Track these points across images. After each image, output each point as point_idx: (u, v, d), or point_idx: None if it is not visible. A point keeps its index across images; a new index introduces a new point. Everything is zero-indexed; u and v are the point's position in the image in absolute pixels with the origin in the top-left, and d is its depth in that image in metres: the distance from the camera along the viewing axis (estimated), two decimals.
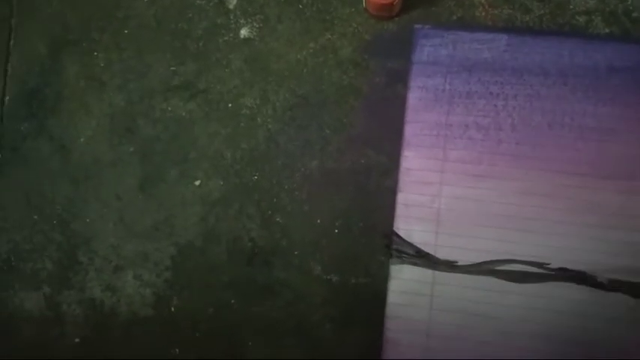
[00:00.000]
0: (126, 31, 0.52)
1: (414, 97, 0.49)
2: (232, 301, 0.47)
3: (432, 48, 0.49)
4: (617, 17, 0.49)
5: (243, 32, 0.51)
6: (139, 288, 0.49)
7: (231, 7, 0.51)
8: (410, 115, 0.49)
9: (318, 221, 0.48)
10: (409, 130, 0.48)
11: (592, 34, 0.49)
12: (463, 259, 0.46)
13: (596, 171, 0.46)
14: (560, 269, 0.45)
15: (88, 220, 0.50)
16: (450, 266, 0.46)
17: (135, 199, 0.50)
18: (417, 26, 0.49)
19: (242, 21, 0.51)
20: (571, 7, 0.49)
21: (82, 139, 0.51)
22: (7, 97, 0.52)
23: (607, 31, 0.49)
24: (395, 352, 0.45)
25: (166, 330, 0.48)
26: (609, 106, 0.47)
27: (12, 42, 0.52)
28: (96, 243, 0.50)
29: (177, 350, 0.47)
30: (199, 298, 0.48)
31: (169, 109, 0.50)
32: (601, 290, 0.45)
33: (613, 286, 0.45)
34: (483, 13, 0.50)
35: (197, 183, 0.49)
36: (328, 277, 0.47)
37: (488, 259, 0.46)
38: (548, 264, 0.45)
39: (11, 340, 0.49)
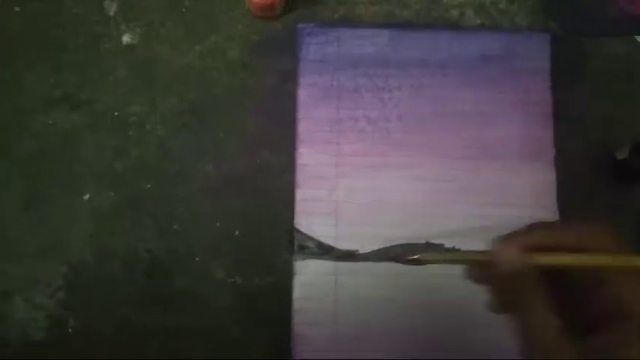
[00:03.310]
0: None
1: (303, 95, 0.50)
2: (132, 316, 0.46)
3: (317, 46, 0.50)
4: (486, 9, 0.52)
5: (126, 39, 0.50)
6: (30, 312, 0.46)
7: (111, 13, 0.50)
8: (301, 112, 0.49)
9: (218, 225, 0.47)
10: (302, 127, 0.49)
11: (465, 25, 0.52)
12: (362, 247, 0.47)
13: (478, 153, 0.49)
14: (454, 248, 0.47)
15: None
16: (351, 256, 0.47)
17: (19, 219, 0.47)
18: (300, 25, 0.50)
19: (123, 27, 0.50)
20: (444, 1, 0.52)
21: None
22: None
23: (478, 22, 0.52)
24: (304, 345, 0.46)
25: (64, 352, 0.45)
26: (485, 91, 0.50)
27: None
28: None
29: None
30: (98, 317, 0.46)
31: (50, 122, 0.48)
32: None
33: None
34: (364, 10, 0.52)
35: (86, 197, 0.47)
36: (232, 280, 0.47)
37: (386, 245, 0.47)
38: (442, 245, 0.47)
39: None
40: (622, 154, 0.48)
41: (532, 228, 0.28)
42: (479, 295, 0.47)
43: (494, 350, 0.46)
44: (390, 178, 0.49)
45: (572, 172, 0.49)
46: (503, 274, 0.27)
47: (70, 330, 0.45)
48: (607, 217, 0.48)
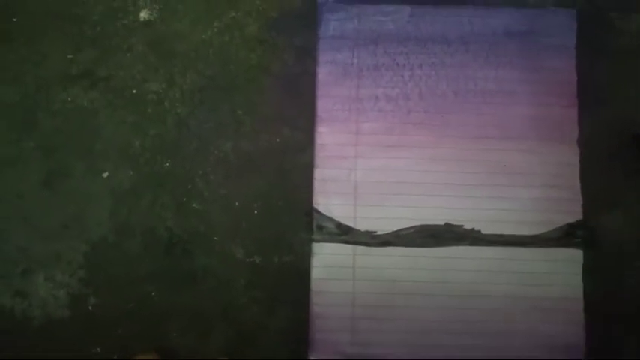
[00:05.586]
0: (15, 20, 0.48)
1: (323, 72, 0.49)
2: (153, 293, 0.46)
3: (337, 22, 0.49)
4: None
5: (143, 15, 0.49)
6: (52, 290, 0.46)
7: None
8: (321, 90, 0.49)
9: (237, 204, 0.47)
10: (321, 106, 0.48)
11: (489, 1, 0.50)
12: (382, 228, 0.47)
13: (500, 133, 0.48)
14: (473, 230, 0.47)
15: None
16: (370, 237, 0.47)
17: (40, 196, 0.47)
18: (320, 1, 0.49)
19: (141, 3, 0.49)
20: None
21: None
22: None
23: None
24: (322, 325, 0.46)
25: (85, 329, 0.46)
26: (508, 69, 0.49)
27: None
28: (0, 246, 0.46)
29: (98, 349, 0.45)
30: (118, 294, 0.46)
31: (69, 99, 0.48)
32: (513, 247, 0.47)
33: (513, 240, 0.47)
34: None
35: (105, 175, 0.47)
36: (251, 259, 0.47)
37: (405, 226, 0.47)
38: (461, 226, 0.47)
39: None
40: None
41: None
42: (494, 278, 0.47)
43: (506, 333, 0.46)
44: (409, 158, 0.48)
45: (595, 151, 0.48)
46: None
47: (90, 307, 0.46)
48: (630, 198, 0.47)
